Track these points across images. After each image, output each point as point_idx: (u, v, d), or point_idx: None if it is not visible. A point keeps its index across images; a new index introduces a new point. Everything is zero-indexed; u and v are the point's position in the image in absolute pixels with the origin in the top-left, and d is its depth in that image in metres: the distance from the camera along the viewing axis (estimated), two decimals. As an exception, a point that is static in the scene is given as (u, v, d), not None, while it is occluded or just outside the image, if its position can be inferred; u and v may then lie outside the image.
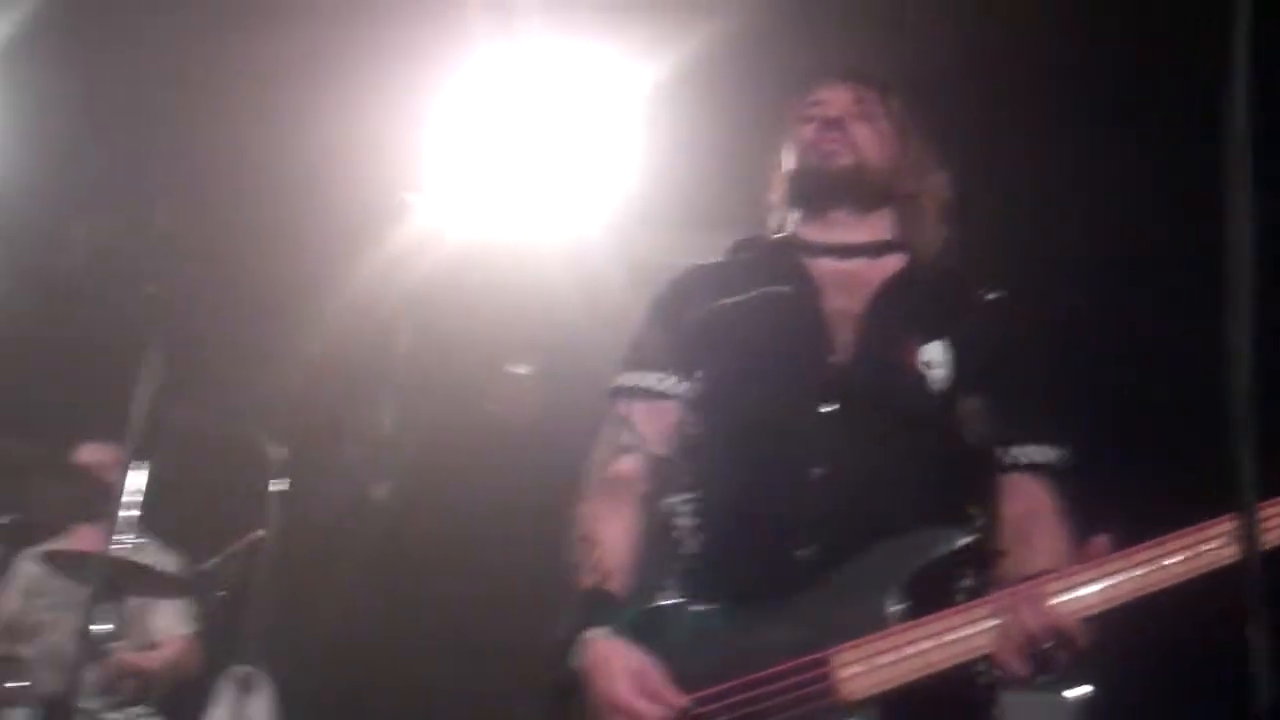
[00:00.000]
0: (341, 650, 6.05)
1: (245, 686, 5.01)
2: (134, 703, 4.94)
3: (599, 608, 2.43)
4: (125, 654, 5.32)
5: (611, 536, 2.53)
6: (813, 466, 2.39)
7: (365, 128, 5.26)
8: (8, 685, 4.76)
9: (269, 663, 5.12)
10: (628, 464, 2.61)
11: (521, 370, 6.48)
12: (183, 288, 4.75)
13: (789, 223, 2.77)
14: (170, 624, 5.66)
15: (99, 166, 5.72)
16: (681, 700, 2.27)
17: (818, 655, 2.22)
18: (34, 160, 5.69)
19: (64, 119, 5.52)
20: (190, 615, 5.56)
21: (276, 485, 5.14)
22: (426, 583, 6.14)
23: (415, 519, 6.33)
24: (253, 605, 4.98)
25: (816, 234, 2.71)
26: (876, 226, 2.70)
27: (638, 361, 2.69)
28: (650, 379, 2.65)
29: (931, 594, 2.26)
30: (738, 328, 2.60)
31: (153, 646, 5.66)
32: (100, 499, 4.90)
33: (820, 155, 2.68)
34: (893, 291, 2.59)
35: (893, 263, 2.66)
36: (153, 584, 5.40)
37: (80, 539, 5.47)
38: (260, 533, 5.09)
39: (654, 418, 2.63)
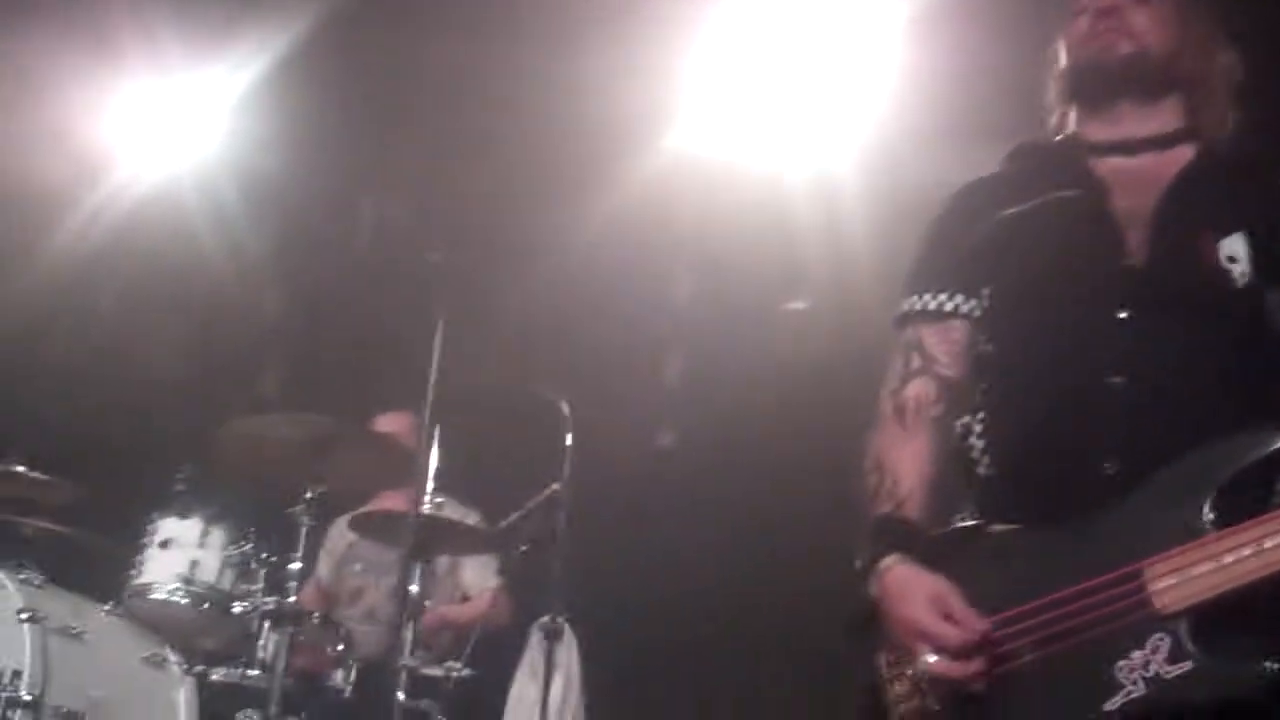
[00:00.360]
0: (640, 598, 6.11)
1: (553, 635, 5.11)
2: (449, 657, 5.07)
3: (894, 535, 2.39)
4: (438, 610, 5.52)
5: (904, 462, 2.48)
6: (1112, 375, 2.29)
7: (627, 73, 5.27)
8: (333, 649, 4.93)
9: (574, 611, 5.21)
10: (917, 388, 2.54)
11: (799, 306, 6.40)
12: (465, 252, 4.82)
13: (1068, 123, 2.64)
14: (478, 578, 5.84)
15: (381, 145, 5.93)
16: (984, 624, 2.21)
17: (1129, 569, 2.13)
18: (322, 145, 5.94)
19: (348, 105, 5.73)
20: (495, 569, 5.72)
21: (567, 439, 5.24)
22: (717, 528, 6.15)
23: (703, 464, 6.34)
24: (555, 557, 5.07)
25: (1099, 131, 2.57)
26: (1163, 116, 2.55)
27: (922, 284, 2.60)
28: (936, 300, 2.57)
29: (1246, 500, 2.12)
30: (1023, 239, 2.49)
31: (463, 601, 5.88)
32: (402, 464, 5.06)
33: (1098, 46, 2.54)
34: (1186, 185, 2.44)
35: (1183, 154, 2.51)
36: (459, 541, 5.58)
37: (386, 503, 5.69)
38: (556, 486, 5.18)
39: (942, 339, 2.55)
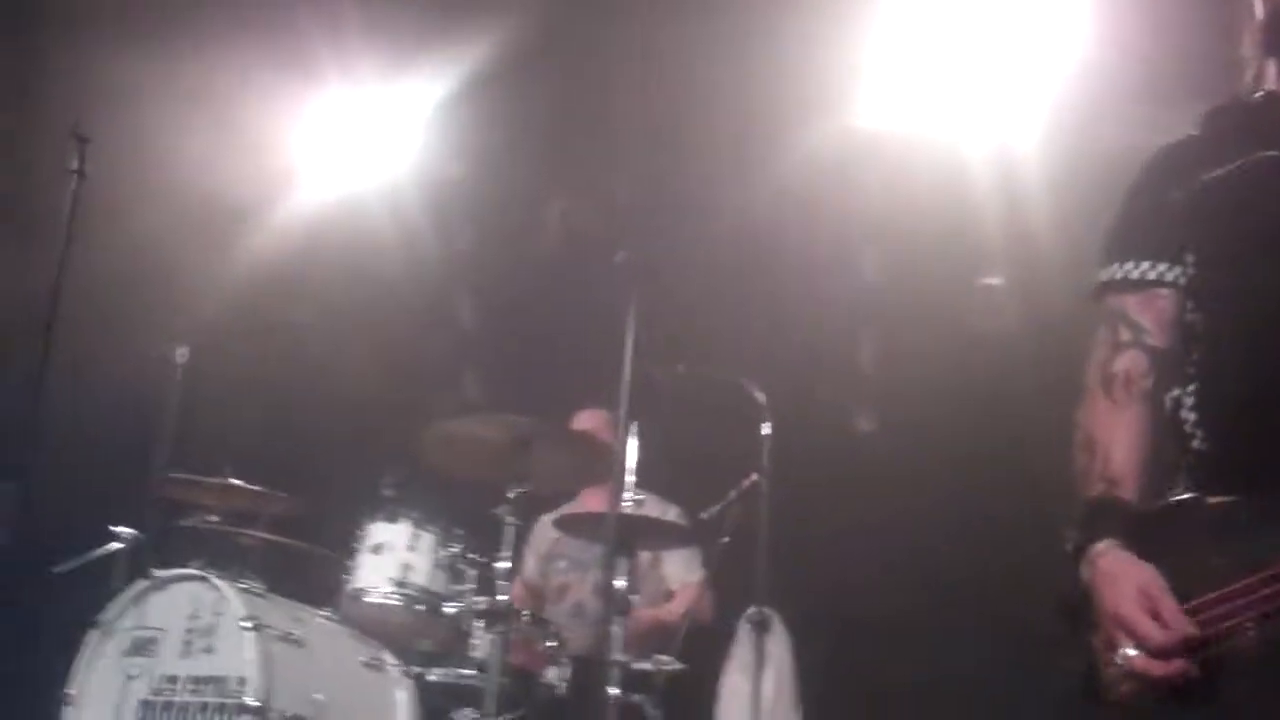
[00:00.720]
0: (846, 584, 6.05)
1: (761, 627, 5.08)
2: (658, 652, 5.07)
3: (1107, 518, 2.32)
4: (644, 608, 5.54)
5: (1116, 440, 2.40)
6: None
7: (806, 50, 5.23)
8: (545, 646, 4.97)
9: (781, 601, 5.18)
10: (1127, 360, 2.46)
11: (994, 281, 6.26)
12: (652, 244, 4.83)
13: (1267, 78, 2.51)
14: (681, 572, 5.85)
15: (565, 145, 5.99)
16: (1189, 629, 2.13)
17: None
18: (509, 151, 6.04)
19: (532, 110, 5.81)
20: (698, 562, 5.72)
21: (765, 428, 5.21)
22: (920, 509, 6.05)
23: (903, 445, 6.25)
24: (758, 547, 5.05)
25: None
26: None
27: (1122, 252, 2.51)
28: (1139, 268, 2.48)
29: None
30: (1228, 202, 2.38)
31: (667, 596, 5.89)
32: (602, 461, 5.09)
33: None
34: None
35: None
36: (660, 537, 5.59)
37: (587, 501, 5.73)
38: (755, 477, 5.16)
39: (1148, 308, 2.47)
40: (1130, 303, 2.48)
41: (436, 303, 6.96)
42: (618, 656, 4.78)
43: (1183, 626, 2.14)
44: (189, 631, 4.61)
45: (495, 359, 6.99)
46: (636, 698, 4.86)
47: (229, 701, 4.43)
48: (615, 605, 4.75)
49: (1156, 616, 2.15)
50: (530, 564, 5.98)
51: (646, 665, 4.97)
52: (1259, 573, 2.11)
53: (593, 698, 4.74)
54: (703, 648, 5.24)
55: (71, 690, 4.69)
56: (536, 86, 6.02)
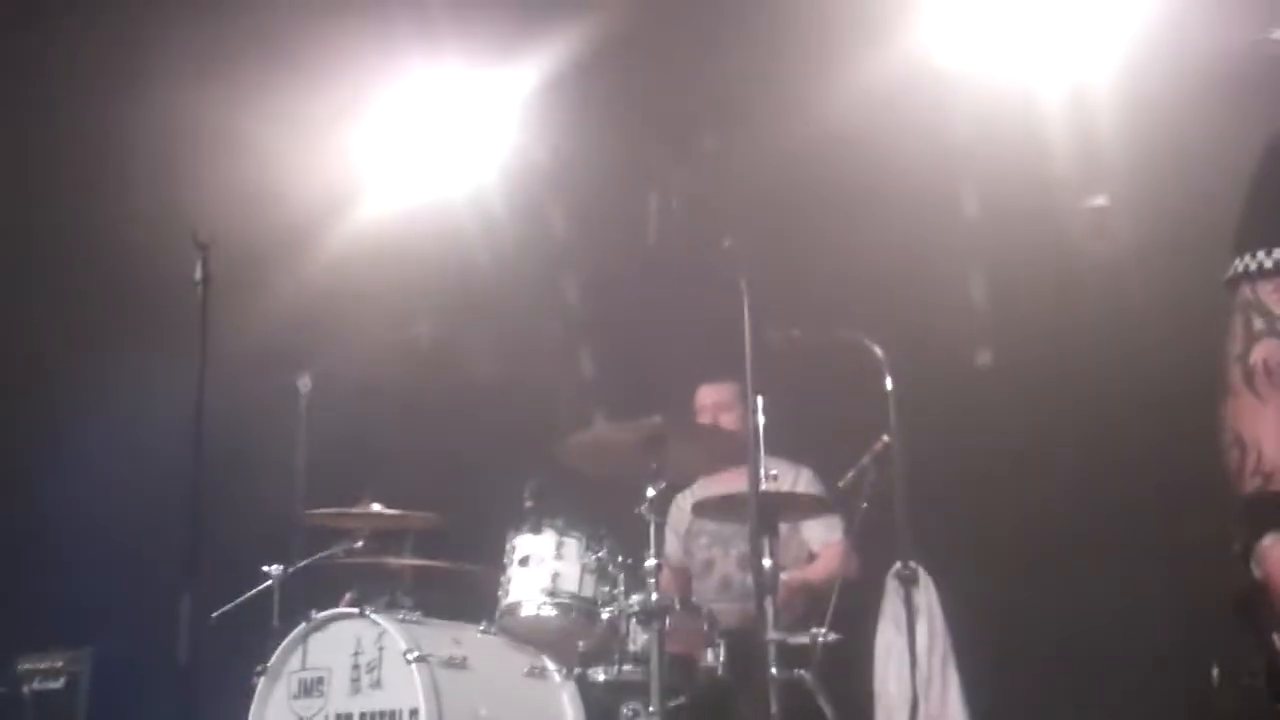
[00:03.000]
0: (985, 528, 6.03)
1: (909, 581, 5.09)
2: (812, 623, 5.09)
3: (1269, 511, 2.29)
4: (791, 575, 5.57)
5: (1265, 433, 2.37)
6: None
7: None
8: (699, 630, 5.02)
9: (925, 554, 5.18)
10: (1264, 350, 2.42)
11: (1101, 201, 6.15)
12: (757, 233, 4.82)
13: None
14: (822, 534, 5.87)
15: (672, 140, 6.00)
16: None
17: None
18: (601, 142, 6.04)
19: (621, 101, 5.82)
20: (838, 522, 5.72)
21: (887, 383, 5.19)
22: (1048, 441, 6.00)
23: (1024, 381, 6.19)
24: (896, 504, 5.05)
25: None
26: None
27: (1252, 241, 2.47)
28: (1271, 256, 2.43)
29: None
30: None
31: (810, 558, 5.91)
32: (731, 447, 5.12)
33: None
34: None
35: None
36: (797, 510, 5.61)
37: (722, 479, 5.75)
38: (885, 438, 5.15)
39: None
40: (1263, 290, 2.44)
41: (546, 297, 6.98)
42: (773, 635, 4.83)
43: None
44: (355, 668, 4.74)
45: (612, 346, 7.03)
46: (797, 673, 4.88)
47: (402, 734, 4.56)
48: (761, 582, 4.78)
49: None
50: (672, 543, 6.02)
51: (803, 639, 4.99)
52: None
53: (751, 675, 4.79)
54: (856, 614, 5.26)
55: (248, 740, 4.85)
56: (619, 71, 5.99)
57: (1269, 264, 2.43)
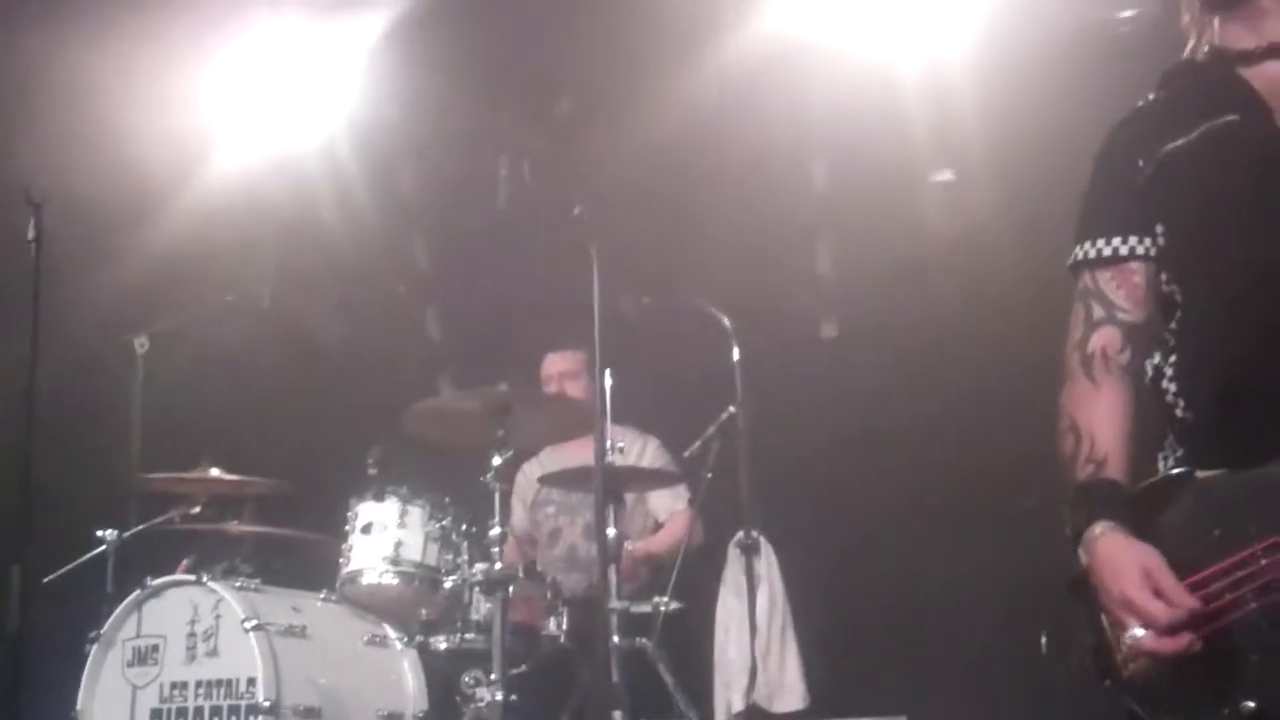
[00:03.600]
0: (827, 497, 6.12)
1: (750, 550, 5.15)
2: (655, 592, 5.12)
3: (1100, 501, 2.35)
4: (636, 545, 5.59)
5: (1098, 420, 2.43)
6: None
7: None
8: (543, 598, 5.02)
9: (767, 523, 5.24)
10: (1101, 338, 2.48)
11: (948, 176, 6.24)
12: (607, 201, 4.80)
13: (1213, 35, 2.50)
14: (668, 503, 5.91)
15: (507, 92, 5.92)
16: (1191, 602, 2.18)
17: None
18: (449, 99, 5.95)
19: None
20: (684, 490, 5.76)
21: (735, 353, 5.22)
22: (893, 411, 6.10)
23: (868, 351, 6.28)
24: (740, 474, 5.09)
25: (1244, 38, 2.44)
26: None
27: (1092, 229, 2.52)
28: (1110, 245, 2.49)
29: None
30: (1191, 175, 2.40)
31: (656, 527, 5.94)
32: (578, 418, 5.12)
33: None
34: None
35: None
36: (643, 481, 5.63)
37: (569, 450, 5.75)
38: (731, 409, 5.18)
39: (1121, 283, 2.48)
40: (1102, 279, 2.50)
41: (393, 259, 6.88)
42: (616, 604, 4.85)
43: (1186, 602, 2.18)
44: (191, 636, 4.65)
45: (459, 311, 6.97)
46: (639, 641, 4.92)
47: (241, 703, 4.48)
48: (606, 552, 4.79)
49: (1159, 594, 2.19)
50: (519, 513, 6.00)
51: (645, 608, 5.02)
52: (1254, 545, 2.15)
53: (593, 642, 4.80)
54: (697, 583, 5.30)
55: (79, 708, 4.72)
56: (469, 26, 5.90)
57: (1108, 252, 2.49)
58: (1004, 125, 5.76)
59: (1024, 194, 5.69)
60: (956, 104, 5.82)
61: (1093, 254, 2.51)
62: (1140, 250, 2.46)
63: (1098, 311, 2.49)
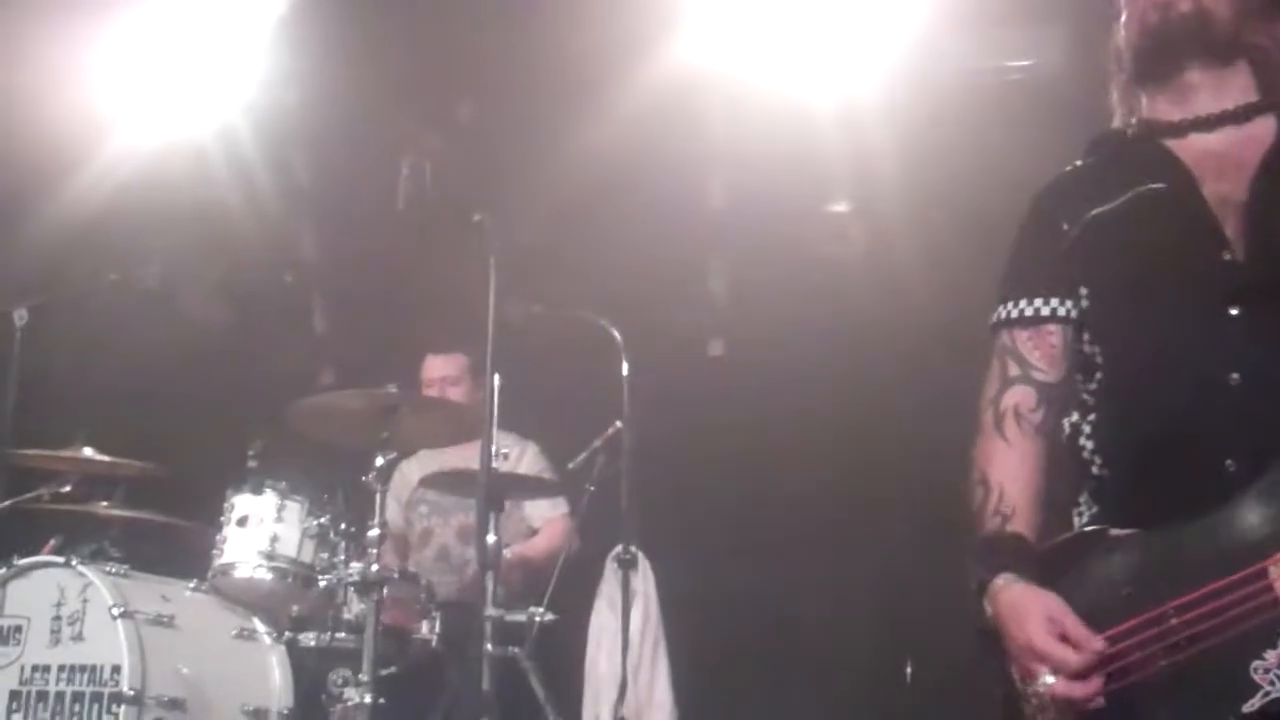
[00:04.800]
0: (707, 515, 6.18)
1: (628, 565, 5.16)
2: (531, 601, 5.11)
3: (1005, 553, 2.39)
4: (512, 549, 5.58)
5: (1009, 475, 2.47)
6: (1229, 373, 2.27)
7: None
8: (416, 601, 4.99)
9: (645, 538, 5.27)
10: (1015, 396, 2.53)
11: (841, 208, 6.35)
12: (507, 208, 4.80)
13: (1141, 108, 2.59)
14: (544, 510, 5.90)
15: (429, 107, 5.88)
16: (1099, 643, 2.22)
17: (1255, 568, 2.14)
18: (351, 87, 5.89)
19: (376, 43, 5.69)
20: (562, 498, 5.76)
21: (624, 367, 5.24)
22: (776, 432, 6.17)
23: (754, 373, 6.35)
24: (622, 489, 5.11)
25: (1172, 110, 2.52)
26: (1234, 88, 2.50)
27: (1014, 290, 2.58)
28: (1032, 305, 2.55)
29: None
30: (1118, 238, 2.46)
31: (531, 533, 5.94)
32: (463, 423, 5.12)
33: (1156, 10, 2.49)
34: (1273, 169, 2.39)
35: (1263, 129, 2.46)
36: (523, 489, 5.63)
37: (450, 451, 5.73)
38: (618, 424, 5.20)
39: (1038, 343, 2.54)
40: (1020, 338, 2.55)
41: (285, 249, 6.81)
42: (491, 612, 4.84)
43: (1093, 644, 2.21)
44: (56, 619, 4.56)
45: (346, 306, 6.92)
46: (511, 650, 4.91)
47: (104, 690, 4.41)
48: (482, 557, 4.78)
49: (1065, 639, 2.23)
50: (393, 510, 5.89)
51: (520, 618, 5.01)
52: (1164, 604, 2.20)
53: (464, 647, 4.79)
54: (573, 596, 5.31)
55: (-66, 685, 4.62)
56: (380, 20, 5.87)
57: (1030, 312, 2.54)
58: (896, 160, 5.86)
59: (918, 225, 5.82)
60: (857, 135, 5.90)
61: (1015, 314, 2.56)
62: (1061, 312, 2.52)
63: (1013, 369, 2.54)
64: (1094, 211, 2.49)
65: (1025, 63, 5.82)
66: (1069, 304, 2.52)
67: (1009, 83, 5.83)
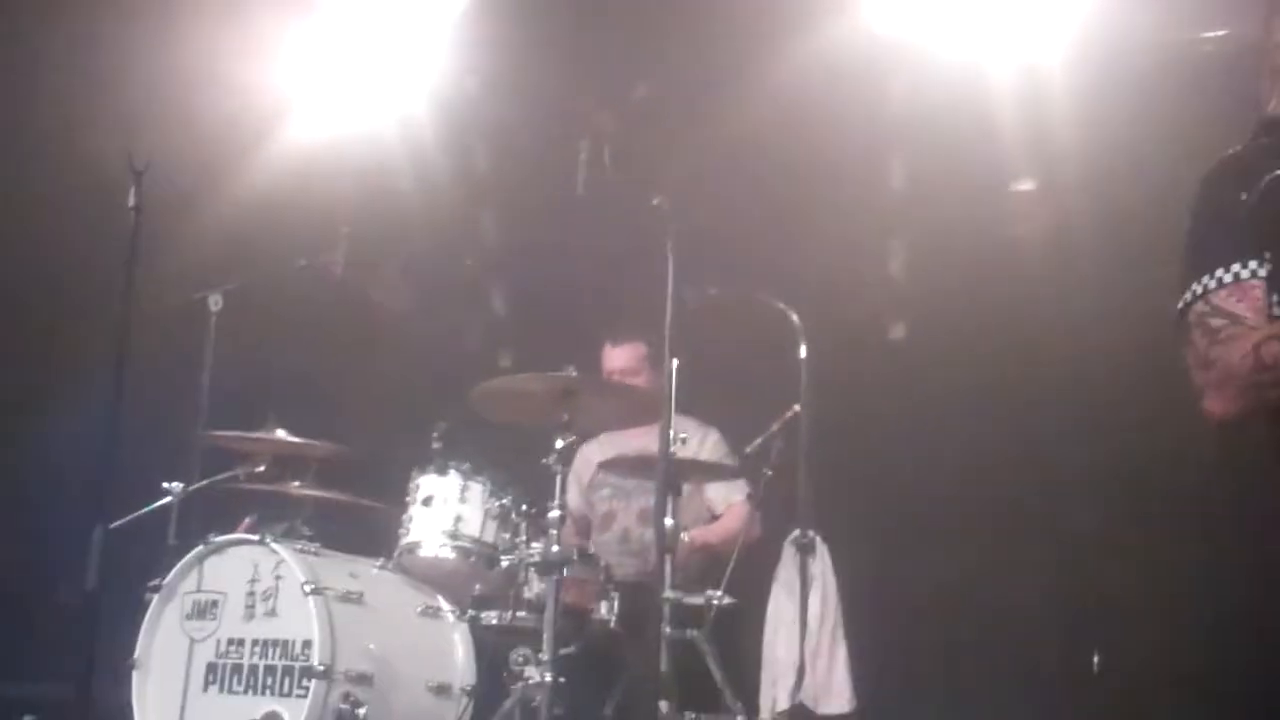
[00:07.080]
0: (888, 500, 6.11)
1: (806, 550, 5.12)
2: (709, 585, 5.11)
3: None
4: (692, 534, 5.60)
5: None
6: None
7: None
8: (595, 582, 5.03)
9: (824, 522, 5.23)
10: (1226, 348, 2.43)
11: (1025, 187, 6.21)
12: (685, 191, 4.80)
13: None
14: (725, 495, 5.90)
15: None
16: None
17: None
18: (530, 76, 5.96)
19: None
20: (742, 482, 5.74)
21: (801, 350, 5.20)
22: (957, 417, 6.08)
23: (935, 357, 6.26)
24: (800, 473, 5.07)
25: None
26: None
27: (1200, 268, 2.49)
28: (1229, 271, 2.45)
29: None
30: None
31: (712, 518, 5.94)
32: (643, 406, 5.13)
33: None
34: None
35: None
36: (702, 473, 5.63)
37: (630, 434, 5.76)
38: (796, 408, 5.16)
39: (1244, 297, 2.43)
40: (1218, 298, 2.45)
41: (466, 234, 6.92)
42: (669, 594, 4.85)
43: None
44: (250, 595, 4.71)
45: (527, 290, 7.00)
46: (690, 633, 4.91)
47: (295, 664, 4.54)
48: (661, 540, 4.80)
49: None
50: (574, 493, 6.00)
51: (698, 600, 5.02)
52: None
53: (643, 630, 4.81)
54: (751, 580, 5.30)
55: (136, 655, 4.80)
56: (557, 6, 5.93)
57: (1227, 278, 2.45)
58: (1086, 136, 5.71)
59: (1105, 204, 5.67)
60: (1042, 111, 5.77)
61: (1212, 284, 2.47)
62: (1260, 271, 2.43)
63: (1217, 322, 2.45)
64: (1268, 176, 2.41)
65: (1219, 33, 5.61)
66: (1259, 263, 2.43)
67: (1202, 54, 5.63)
